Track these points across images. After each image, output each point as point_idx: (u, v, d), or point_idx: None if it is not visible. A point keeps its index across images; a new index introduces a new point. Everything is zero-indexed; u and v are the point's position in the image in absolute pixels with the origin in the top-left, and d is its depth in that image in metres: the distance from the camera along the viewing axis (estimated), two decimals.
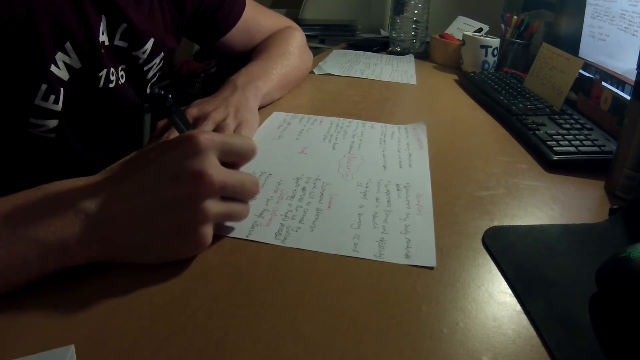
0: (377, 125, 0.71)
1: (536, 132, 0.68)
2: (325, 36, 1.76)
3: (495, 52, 1.14)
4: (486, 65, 1.14)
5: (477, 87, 0.95)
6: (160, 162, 0.36)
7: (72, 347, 0.27)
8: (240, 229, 0.42)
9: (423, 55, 1.37)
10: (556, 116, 0.75)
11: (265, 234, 0.42)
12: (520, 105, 0.81)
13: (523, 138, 0.70)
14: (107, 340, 0.30)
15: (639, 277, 0.33)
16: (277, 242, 0.41)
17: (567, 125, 0.70)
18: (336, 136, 0.66)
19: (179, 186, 0.35)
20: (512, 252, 0.41)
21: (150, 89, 0.68)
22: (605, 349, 0.31)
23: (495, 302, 0.36)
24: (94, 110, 0.60)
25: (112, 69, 0.59)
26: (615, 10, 0.77)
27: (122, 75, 0.62)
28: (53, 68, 0.52)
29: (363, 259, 0.39)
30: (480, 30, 1.27)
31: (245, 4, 0.81)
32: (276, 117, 0.72)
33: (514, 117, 0.76)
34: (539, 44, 0.97)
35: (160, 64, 0.68)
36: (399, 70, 1.13)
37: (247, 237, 0.41)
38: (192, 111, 0.59)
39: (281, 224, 0.43)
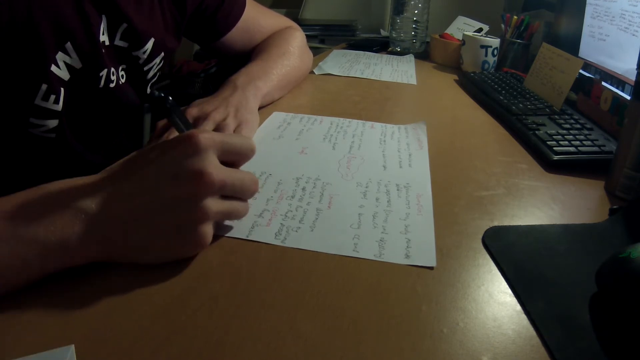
0: (377, 125, 0.71)
1: (536, 132, 0.68)
2: (325, 36, 1.76)
3: (495, 52, 1.14)
4: (486, 65, 1.14)
5: (477, 87, 0.95)
6: (160, 162, 0.36)
7: (72, 347, 0.27)
8: (240, 229, 0.42)
9: (423, 55, 1.37)
10: (556, 116, 0.75)
11: (265, 234, 0.42)
12: (520, 105, 0.81)
13: (523, 138, 0.70)
14: (107, 340, 0.30)
15: (639, 277, 0.33)
16: (277, 242, 0.41)
17: (567, 125, 0.70)
18: (336, 136, 0.66)
19: (179, 186, 0.35)
20: (512, 252, 0.41)
21: (150, 90, 0.68)
22: (605, 349, 0.31)
23: (495, 302, 0.36)
24: (95, 110, 0.60)
25: (112, 69, 0.59)
26: (615, 10, 0.77)
27: (122, 75, 0.62)
28: (53, 68, 0.52)
29: (363, 259, 0.39)
30: (480, 30, 1.27)
31: (245, 4, 0.81)
32: (276, 117, 0.72)
33: (514, 117, 0.76)
34: (539, 44, 0.97)
35: (161, 64, 0.68)
36: (399, 70, 1.13)
37: (247, 237, 0.41)
38: (192, 111, 0.59)
39: (281, 224, 0.43)
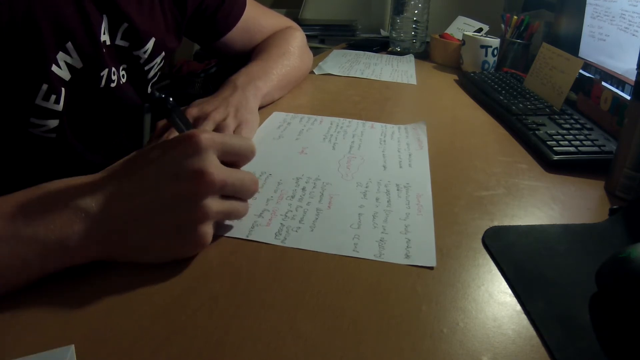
0: (377, 125, 0.71)
1: (536, 132, 0.68)
2: (325, 36, 1.76)
3: (495, 52, 1.14)
4: (486, 65, 1.14)
5: (477, 87, 0.95)
6: (160, 162, 0.36)
7: (72, 347, 0.27)
8: (240, 229, 0.42)
9: (423, 55, 1.37)
10: (556, 116, 0.75)
11: (265, 234, 0.42)
12: (520, 105, 0.81)
13: (523, 138, 0.70)
14: (107, 340, 0.30)
15: (639, 277, 0.33)
16: (277, 242, 0.41)
17: (567, 125, 0.70)
18: (336, 136, 0.66)
19: (179, 185, 0.35)
20: (512, 252, 0.41)
21: (150, 91, 0.68)
22: (605, 349, 0.31)
23: (495, 302, 0.36)
24: (95, 110, 0.60)
25: (113, 69, 0.59)
26: (615, 10, 0.77)
27: (123, 75, 0.62)
28: (54, 68, 0.52)
29: (363, 259, 0.39)
30: (480, 30, 1.27)
31: (245, 4, 0.81)
32: (276, 117, 0.72)
33: (514, 117, 0.76)
34: (539, 44, 0.97)
35: (161, 64, 0.68)
36: (399, 70, 1.13)
37: (247, 237, 0.41)
38: (192, 111, 0.59)
39: (281, 224, 0.43)
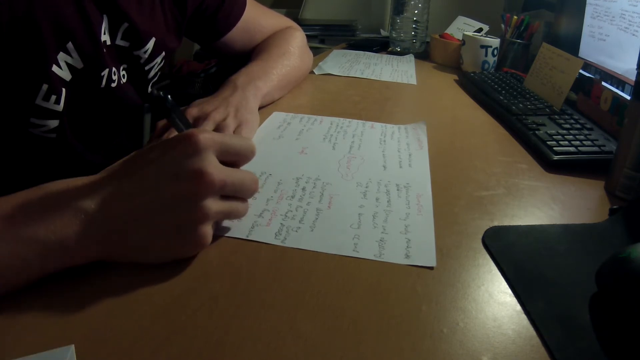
0: (377, 125, 0.71)
1: (536, 132, 0.68)
2: (325, 36, 1.76)
3: (495, 52, 1.14)
4: (486, 65, 1.14)
5: (477, 87, 0.95)
6: (160, 162, 0.36)
7: (72, 347, 0.27)
8: (240, 229, 0.42)
9: (423, 55, 1.37)
10: (556, 116, 0.75)
11: (265, 234, 0.42)
12: (520, 105, 0.81)
13: (523, 138, 0.70)
14: (107, 340, 0.30)
15: (639, 277, 0.33)
16: (277, 242, 0.41)
17: (567, 125, 0.70)
18: (336, 136, 0.66)
19: (179, 185, 0.35)
20: (512, 252, 0.41)
21: (150, 90, 0.68)
22: (605, 349, 0.31)
23: (495, 302, 0.36)
24: (96, 110, 0.60)
25: (113, 69, 0.59)
26: (615, 10, 0.77)
27: (123, 75, 0.62)
28: (55, 68, 0.52)
29: (363, 259, 0.39)
30: (480, 30, 1.27)
31: (245, 4, 0.81)
32: (276, 117, 0.72)
33: (514, 117, 0.76)
34: (539, 44, 0.97)
35: (162, 64, 0.68)
36: (399, 70, 1.13)
37: (247, 237, 0.41)
38: (192, 111, 0.59)
39: (281, 224, 0.43)
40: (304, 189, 0.50)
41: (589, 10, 0.86)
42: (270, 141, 0.63)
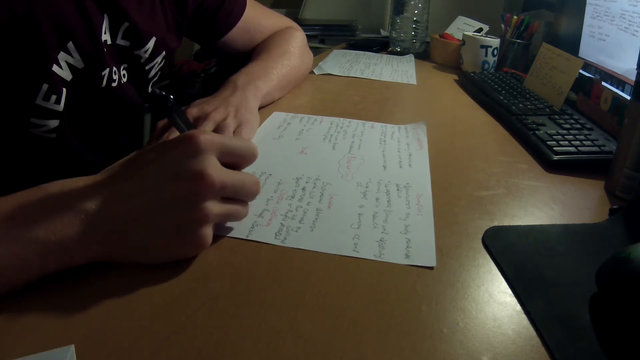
0: (377, 125, 0.71)
1: (536, 132, 0.68)
2: (325, 36, 1.76)
3: (495, 52, 1.14)
4: (486, 65, 1.14)
5: (477, 87, 0.95)
6: (160, 162, 0.36)
7: (72, 347, 0.27)
8: (240, 229, 0.42)
9: (423, 55, 1.37)
10: (556, 116, 0.75)
11: (265, 234, 0.42)
12: (520, 105, 0.81)
13: (523, 138, 0.70)
14: (107, 340, 0.30)
15: (639, 277, 0.33)
16: (277, 242, 0.41)
17: (567, 125, 0.70)
18: (336, 136, 0.66)
19: (179, 186, 0.35)
20: (512, 252, 0.41)
21: (151, 90, 0.68)
22: (605, 349, 0.31)
23: (495, 302, 0.36)
24: (96, 110, 0.60)
25: (114, 68, 0.59)
26: (615, 10, 0.77)
27: (124, 75, 0.62)
28: (55, 68, 0.52)
29: (363, 259, 0.39)
30: (480, 30, 1.27)
31: (245, 4, 0.81)
32: (276, 117, 0.72)
33: (514, 117, 0.76)
34: (539, 44, 0.97)
35: (162, 63, 0.68)
36: (399, 70, 1.13)
37: (247, 237, 0.41)
38: (192, 111, 0.59)
39: (281, 224, 0.43)
40: (304, 189, 0.50)
41: (589, 10, 0.86)
42: (270, 141, 0.63)
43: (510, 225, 0.46)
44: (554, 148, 0.63)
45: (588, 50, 0.87)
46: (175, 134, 0.54)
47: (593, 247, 0.43)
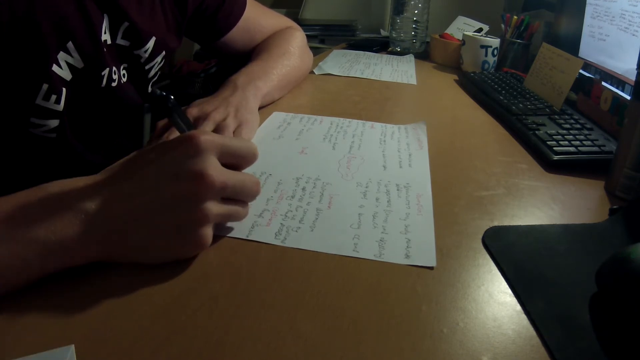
0: (377, 125, 0.71)
1: (536, 132, 0.68)
2: (325, 36, 1.76)
3: (495, 52, 1.14)
4: (486, 65, 1.14)
5: (477, 87, 0.95)
6: (160, 162, 0.36)
7: (72, 347, 0.27)
8: (240, 229, 0.42)
9: (423, 55, 1.37)
10: (556, 116, 0.75)
11: (265, 234, 0.42)
12: (520, 105, 0.81)
13: (523, 138, 0.70)
14: (107, 340, 0.30)
15: (639, 277, 0.33)
16: (277, 242, 0.41)
17: (567, 125, 0.70)
18: (336, 136, 0.66)
19: (179, 185, 0.35)
20: (512, 252, 0.41)
21: (151, 89, 0.68)
22: (605, 349, 0.31)
23: (495, 302, 0.36)
24: (96, 109, 0.60)
25: (114, 68, 0.59)
26: (615, 10, 0.77)
27: (124, 75, 0.62)
28: (55, 68, 0.52)
29: (363, 259, 0.39)
30: (480, 30, 1.27)
31: (245, 4, 0.81)
32: (276, 117, 0.72)
33: (514, 117, 0.76)
34: (539, 44, 0.97)
35: (162, 63, 0.68)
36: (399, 70, 1.13)
37: (247, 237, 0.41)
38: (192, 111, 0.59)
39: (281, 224, 0.43)
40: (304, 189, 0.50)
41: (589, 10, 0.86)
42: (270, 141, 0.63)
43: (510, 225, 0.46)
44: (554, 148, 0.63)
45: (588, 50, 0.87)
46: (175, 134, 0.54)
47: (593, 247, 0.43)
